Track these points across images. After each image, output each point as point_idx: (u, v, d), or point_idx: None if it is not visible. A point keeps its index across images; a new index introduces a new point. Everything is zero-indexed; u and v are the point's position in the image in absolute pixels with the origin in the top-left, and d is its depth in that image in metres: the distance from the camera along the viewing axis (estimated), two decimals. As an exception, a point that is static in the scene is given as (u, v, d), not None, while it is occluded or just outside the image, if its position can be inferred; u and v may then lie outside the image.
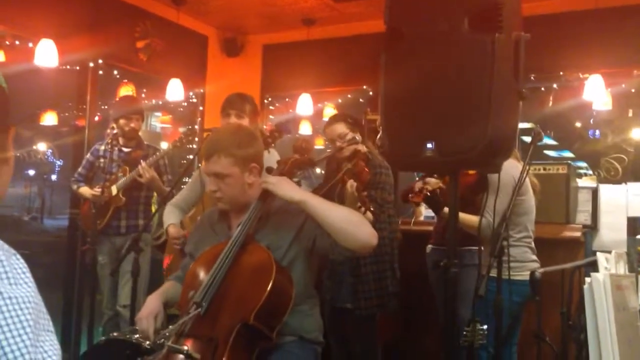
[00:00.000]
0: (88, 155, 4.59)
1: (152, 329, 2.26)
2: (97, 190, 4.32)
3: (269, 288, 2.11)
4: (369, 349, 3.57)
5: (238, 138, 2.41)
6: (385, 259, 3.50)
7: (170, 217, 3.49)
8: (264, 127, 5.55)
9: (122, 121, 4.38)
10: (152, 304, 2.38)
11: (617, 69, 4.90)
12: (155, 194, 4.51)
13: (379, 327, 3.64)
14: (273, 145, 3.31)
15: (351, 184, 3.04)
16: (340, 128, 3.59)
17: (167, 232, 3.46)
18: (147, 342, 2.69)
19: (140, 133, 4.62)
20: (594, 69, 4.85)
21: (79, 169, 4.59)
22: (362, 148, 3.43)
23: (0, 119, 1.00)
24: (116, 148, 4.44)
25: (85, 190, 4.46)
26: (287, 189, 2.26)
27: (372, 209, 3.28)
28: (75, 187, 4.56)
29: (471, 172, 3.45)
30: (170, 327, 2.21)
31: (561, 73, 5.08)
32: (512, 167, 3.14)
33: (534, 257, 3.37)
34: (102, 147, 4.50)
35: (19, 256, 0.91)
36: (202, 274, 2.31)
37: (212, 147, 2.39)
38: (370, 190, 3.36)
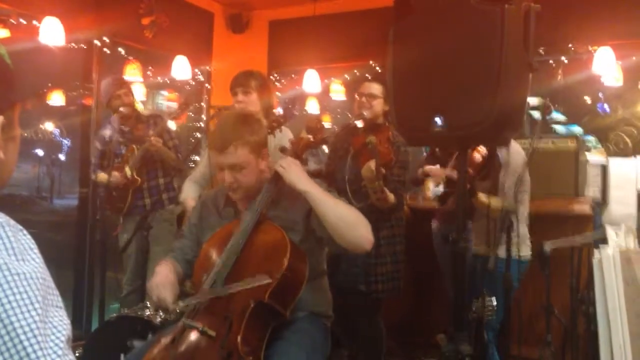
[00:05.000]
0: (96, 144, 4.55)
1: (171, 297, 2.21)
2: (108, 174, 4.30)
3: (284, 267, 2.12)
4: (375, 329, 3.54)
5: (248, 125, 2.37)
6: (402, 240, 3.48)
7: (189, 191, 3.59)
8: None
9: (115, 102, 4.31)
10: (166, 273, 2.33)
11: (628, 40, 4.82)
12: None
13: (389, 308, 3.63)
14: (280, 130, 3.28)
15: (370, 164, 3.01)
16: (376, 89, 3.42)
17: (186, 204, 3.54)
18: (158, 319, 2.72)
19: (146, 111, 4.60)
20: (603, 41, 4.78)
21: (93, 160, 4.57)
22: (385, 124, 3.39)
23: (6, 95, 0.99)
24: (120, 129, 4.41)
25: (102, 177, 4.46)
26: (294, 175, 2.26)
27: (396, 189, 3.28)
28: (94, 177, 4.57)
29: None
30: (180, 303, 2.23)
31: (570, 46, 5.01)
32: (519, 147, 3.18)
33: (528, 235, 3.40)
34: (108, 132, 4.45)
35: (25, 232, 0.90)
36: (214, 255, 2.31)
37: (225, 137, 2.32)
38: (398, 170, 3.34)
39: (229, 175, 2.34)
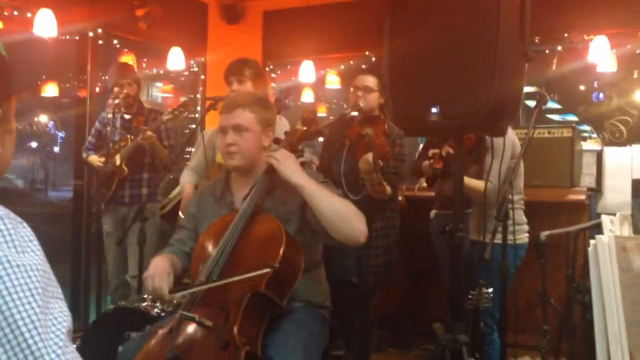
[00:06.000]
0: (96, 124, 4.59)
1: (166, 287, 2.21)
2: (101, 160, 4.32)
3: (279, 257, 2.12)
4: (368, 319, 3.54)
5: (261, 101, 2.49)
6: (395, 232, 3.48)
7: (188, 178, 3.68)
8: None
9: (115, 89, 4.34)
10: (161, 264, 2.33)
11: (623, 29, 4.83)
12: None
13: (384, 298, 3.64)
14: (279, 115, 3.29)
15: (367, 157, 3.01)
16: (371, 81, 3.42)
17: (183, 190, 3.65)
18: (155, 310, 2.72)
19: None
20: (599, 30, 4.78)
21: (89, 138, 4.60)
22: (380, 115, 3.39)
23: (2, 87, 0.99)
24: (118, 116, 4.41)
25: (93, 159, 4.47)
26: (289, 169, 2.27)
27: (391, 181, 3.28)
28: (85, 155, 4.58)
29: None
30: (177, 294, 2.23)
31: (565, 35, 5.01)
32: (511, 132, 3.17)
33: (526, 220, 3.40)
34: (109, 115, 4.47)
35: (25, 224, 0.90)
36: (211, 246, 2.32)
37: (237, 101, 2.44)
38: (394, 162, 3.33)
39: (230, 136, 2.36)
